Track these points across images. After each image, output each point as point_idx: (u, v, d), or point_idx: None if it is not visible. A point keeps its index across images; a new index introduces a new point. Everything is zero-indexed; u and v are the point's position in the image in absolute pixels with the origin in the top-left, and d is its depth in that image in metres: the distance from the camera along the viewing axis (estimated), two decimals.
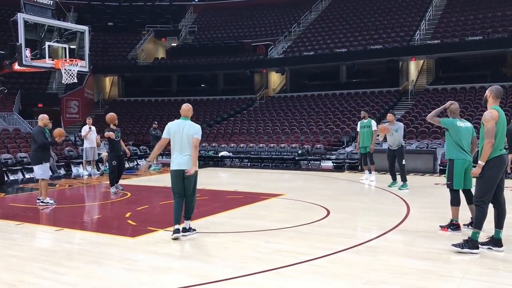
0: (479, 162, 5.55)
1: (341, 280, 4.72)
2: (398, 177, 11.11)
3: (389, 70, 26.03)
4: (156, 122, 18.96)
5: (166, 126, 6.61)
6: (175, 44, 34.42)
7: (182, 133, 6.43)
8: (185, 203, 6.51)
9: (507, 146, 7.09)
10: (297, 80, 29.56)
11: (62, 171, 15.69)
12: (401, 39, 25.28)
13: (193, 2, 38.34)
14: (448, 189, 6.59)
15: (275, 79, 30.61)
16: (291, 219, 7.74)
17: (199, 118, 25.69)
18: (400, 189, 10.70)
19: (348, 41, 26.99)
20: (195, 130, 6.52)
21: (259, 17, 35.19)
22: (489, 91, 5.73)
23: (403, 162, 10.90)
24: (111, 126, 10.73)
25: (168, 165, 16.71)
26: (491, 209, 5.68)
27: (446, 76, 25.46)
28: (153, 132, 17.78)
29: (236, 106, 28.23)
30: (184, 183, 6.44)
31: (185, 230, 6.52)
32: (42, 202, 9.37)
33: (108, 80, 33.43)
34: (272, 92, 29.86)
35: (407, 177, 11.06)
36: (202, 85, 32.63)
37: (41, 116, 9.57)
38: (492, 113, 5.51)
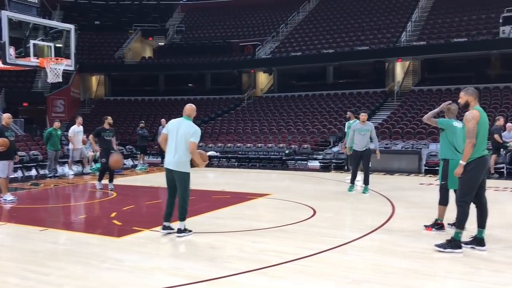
0: (461, 162, 5.61)
1: (326, 279, 4.75)
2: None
3: (375, 71, 26.22)
4: (143, 122, 18.83)
5: (168, 122, 6.65)
6: (163, 44, 34.26)
7: (177, 133, 6.35)
8: (177, 204, 6.46)
9: (490, 147, 7.19)
10: (285, 81, 29.61)
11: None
12: (387, 40, 25.47)
13: (181, 2, 38.17)
14: (437, 188, 6.65)
15: (263, 79, 30.63)
16: (278, 218, 7.76)
17: None
18: (364, 192, 10.36)
19: (335, 42, 27.12)
20: (190, 132, 6.31)
21: (247, 17, 35.19)
22: (469, 95, 5.76)
23: (370, 165, 10.60)
24: (105, 125, 11.13)
25: (153, 165, 16.53)
26: (473, 209, 5.76)
27: (432, 77, 25.70)
28: (140, 131, 17.63)
29: (224, 106, 28.20)
30: (174, 182, 6.40)
31: (179, 231, 6.45)
32: (3, 199, 9.43)
33: (94, 79, 33.15)
34: (259, 92, 29.86)
35: (393, 179, 11.09)
36: (189, 85, 32.53)
37: (3, 115, 9.81)
38: (473, 113, 5.57)
